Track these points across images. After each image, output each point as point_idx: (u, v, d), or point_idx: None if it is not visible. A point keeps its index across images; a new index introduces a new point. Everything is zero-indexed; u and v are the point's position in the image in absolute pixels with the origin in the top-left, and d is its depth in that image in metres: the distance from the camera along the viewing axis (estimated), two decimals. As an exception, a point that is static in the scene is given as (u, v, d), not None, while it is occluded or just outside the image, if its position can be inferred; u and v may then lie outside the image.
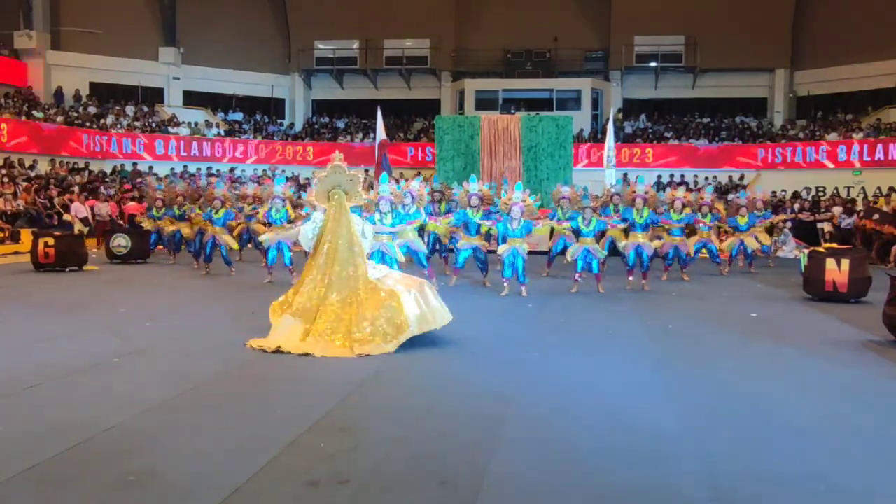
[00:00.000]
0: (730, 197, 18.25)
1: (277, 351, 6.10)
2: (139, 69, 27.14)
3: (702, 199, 12.66)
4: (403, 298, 6.35)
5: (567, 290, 10.40)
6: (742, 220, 13.61)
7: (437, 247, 12.40)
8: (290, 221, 10.88)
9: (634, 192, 11.36)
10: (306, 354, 5.99)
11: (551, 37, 26.96)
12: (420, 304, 6.49)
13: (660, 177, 24.17)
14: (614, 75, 27.75)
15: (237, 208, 12.95)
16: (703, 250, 12.87)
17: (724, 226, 13.73)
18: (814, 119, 26.03)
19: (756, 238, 13.66)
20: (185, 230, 13.93)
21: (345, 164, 7.03)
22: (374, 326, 6.18)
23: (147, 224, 14.56)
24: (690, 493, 3.35)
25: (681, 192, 12.60)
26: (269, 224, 11.77)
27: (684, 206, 12.08)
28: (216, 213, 12.02)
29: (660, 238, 11.92)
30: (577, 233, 11.04)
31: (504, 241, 10.02)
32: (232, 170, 24.75)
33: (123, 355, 5.98)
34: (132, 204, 19.01)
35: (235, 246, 12.74)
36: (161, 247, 14.83)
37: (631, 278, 10.97)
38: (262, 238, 11.80)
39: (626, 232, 11.43)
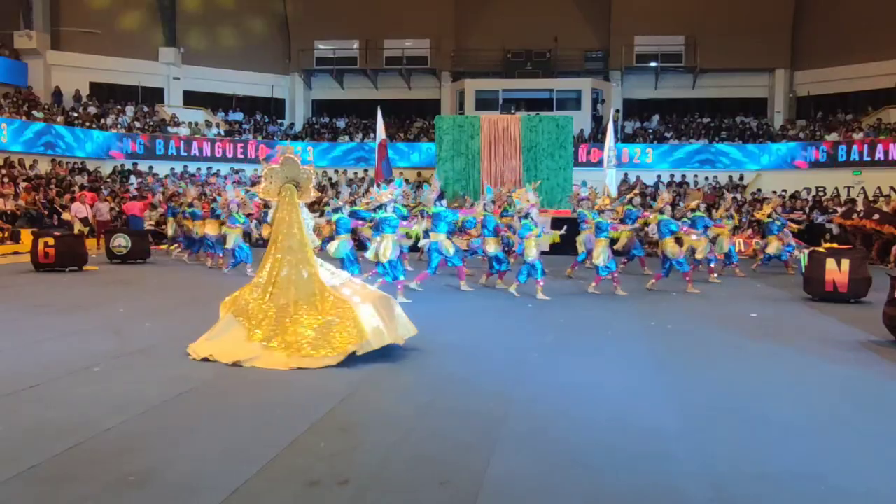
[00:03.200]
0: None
1: (207, 360, 5.72)
2: (139, 69, 27.12)
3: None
4: (359, 310, 5.85)
5: (570, 291, 10.40)
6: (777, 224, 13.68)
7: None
8: None
9: (664, 199, 11.40)
10: (236, 364, 5.61)
11: (551, 37, 26.93)
12: (380, 317, 5.99)
13: (659, 177, 24.18)
14: (614, 75, 27.74)
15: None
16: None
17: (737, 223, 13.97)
18: (814, 119, 26.03)
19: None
20: (211, 230, 13.61)
21: (298, 158, 6.61)
22: (319, 336, 5.77)
23: (187, 225, 14.15)
24: (690, 493, 3.35)
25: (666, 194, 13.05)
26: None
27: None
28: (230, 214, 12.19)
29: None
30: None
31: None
32: (236, 171, 24.72)
33: (123, 355, 5.98)
34: (130, 203, 19.01)
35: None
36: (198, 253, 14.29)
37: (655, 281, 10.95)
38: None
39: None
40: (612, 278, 10.25)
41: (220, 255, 13.32)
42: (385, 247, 9.14)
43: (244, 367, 5.58)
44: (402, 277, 9.39)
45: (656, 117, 27.39)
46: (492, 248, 10.65)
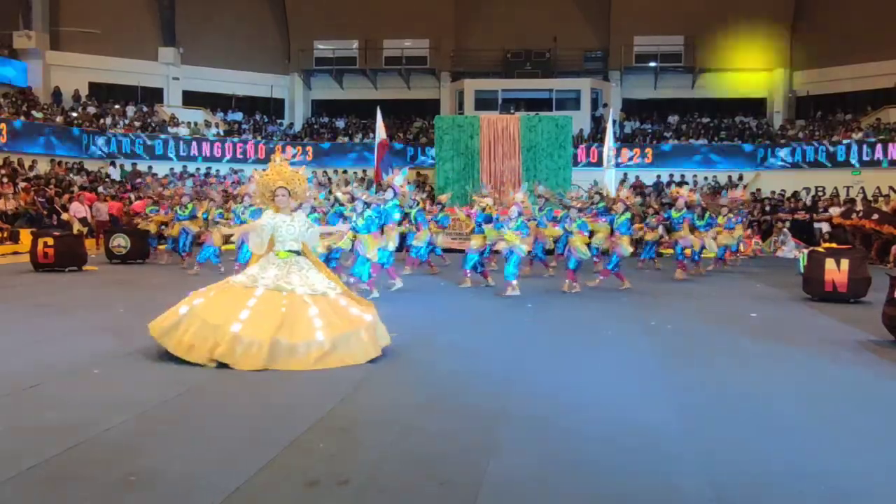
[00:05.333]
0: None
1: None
2: (139, 69, 27.12)
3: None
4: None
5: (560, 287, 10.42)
6: (722, 220, 13.74)
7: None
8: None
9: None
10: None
11: (551, 37, 26.93)
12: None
13: (659, 176, 24.19)
14: (614, 75, 27.75)
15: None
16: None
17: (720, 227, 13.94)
18: (813, 119, 26.03)
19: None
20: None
21: (286, 162, 6.50)
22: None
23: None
24: (690, 493, 3.35)
25: (685, 190, 13.08)
26: None
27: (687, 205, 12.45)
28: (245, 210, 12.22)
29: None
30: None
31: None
32: (236, 171, 24.71)
33: (123, 355, 5.98)
34: (112, 203, 19.01)
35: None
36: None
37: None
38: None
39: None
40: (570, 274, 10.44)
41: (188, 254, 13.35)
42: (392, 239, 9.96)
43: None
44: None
45: (675, 117, 27.35)
46: (477, 244, 10.95)
